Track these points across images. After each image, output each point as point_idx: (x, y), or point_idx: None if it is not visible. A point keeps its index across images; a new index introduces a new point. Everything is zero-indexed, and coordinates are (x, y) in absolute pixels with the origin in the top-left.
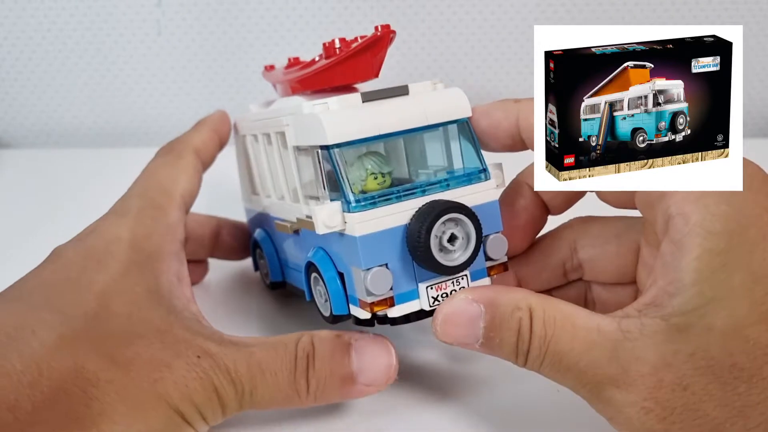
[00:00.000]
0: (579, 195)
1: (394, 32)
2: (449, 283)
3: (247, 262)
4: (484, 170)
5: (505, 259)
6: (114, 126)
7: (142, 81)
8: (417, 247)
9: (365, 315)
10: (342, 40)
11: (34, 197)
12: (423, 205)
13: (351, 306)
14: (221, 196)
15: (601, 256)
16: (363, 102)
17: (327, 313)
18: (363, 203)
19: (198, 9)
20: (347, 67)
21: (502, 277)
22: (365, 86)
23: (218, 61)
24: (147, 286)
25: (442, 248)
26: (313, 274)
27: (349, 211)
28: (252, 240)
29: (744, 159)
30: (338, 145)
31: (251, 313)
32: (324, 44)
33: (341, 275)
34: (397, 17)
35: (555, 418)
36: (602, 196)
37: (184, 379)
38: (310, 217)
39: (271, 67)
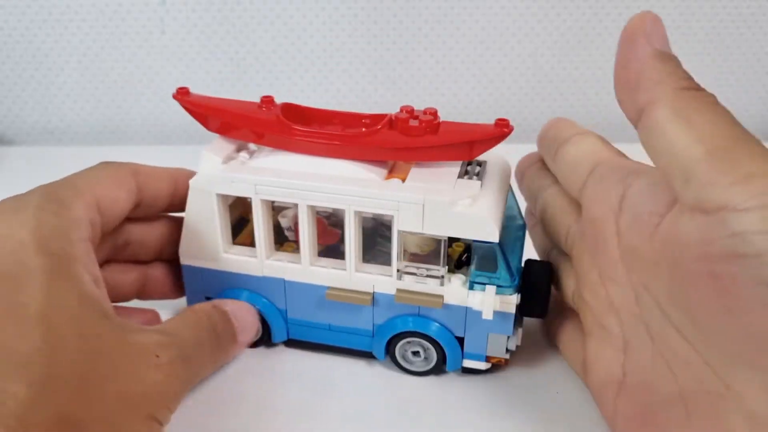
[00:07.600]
0: None
1: (511, 129)
2: None
3: None
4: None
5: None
6: (117, 124)
7: (146, 79)
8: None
9: (486, 366)
10: (436, 118)
11: None
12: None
13: (466, 361)
14: None
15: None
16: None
17: (426, 368)
18: (515, 285)
19: (202, 8)
20: (452, 149)
21: None
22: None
23: (222, 60)
24: (76, 294)
25: None
26: (408, 339)
27: (510, 294)
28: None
29: None
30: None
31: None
32: (404, 109)
33: (459, 339)
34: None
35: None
36: None
37: (156, 385)
38: (431, 294)
39: (184, 90)
